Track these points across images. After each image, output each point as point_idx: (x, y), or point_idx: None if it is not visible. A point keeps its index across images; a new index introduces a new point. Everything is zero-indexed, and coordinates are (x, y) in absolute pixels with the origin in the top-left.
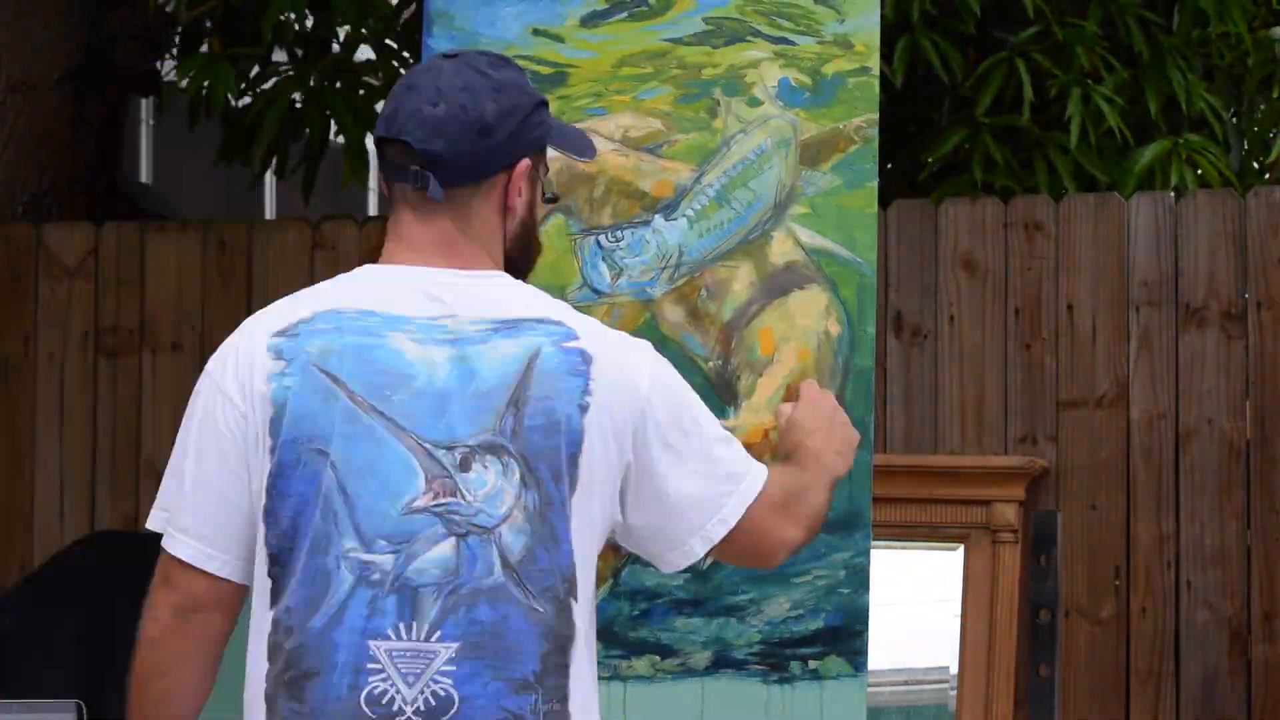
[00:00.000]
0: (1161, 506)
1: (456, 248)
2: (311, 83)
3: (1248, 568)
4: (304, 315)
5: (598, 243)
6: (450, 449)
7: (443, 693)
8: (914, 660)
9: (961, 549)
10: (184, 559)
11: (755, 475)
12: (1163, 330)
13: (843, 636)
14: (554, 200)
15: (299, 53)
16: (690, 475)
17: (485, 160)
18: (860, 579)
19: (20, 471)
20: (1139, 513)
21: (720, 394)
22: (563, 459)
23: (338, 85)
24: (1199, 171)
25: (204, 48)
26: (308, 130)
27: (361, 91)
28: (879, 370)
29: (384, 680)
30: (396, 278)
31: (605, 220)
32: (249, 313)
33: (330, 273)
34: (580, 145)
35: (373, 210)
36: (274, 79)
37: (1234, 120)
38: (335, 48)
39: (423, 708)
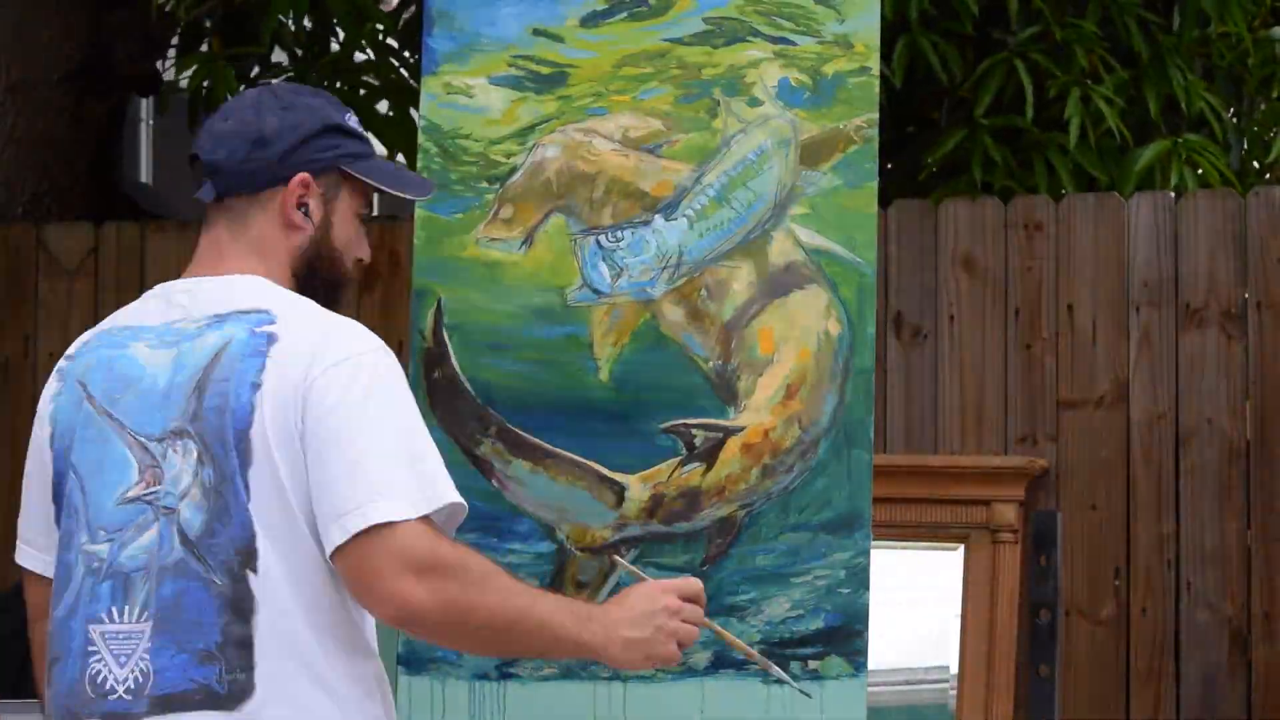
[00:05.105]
0: (1161, 506)
1: (224, 254)
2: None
3: (1248, 568)
4: (87, 339)
5: (598, 243)
6: (160, 440)
7: (145, 669)
8: (914, 660)
9: (961, 549)
10: (27, 568)
11: (392, 510)
12: (1163, 330)
13: (843, 636)
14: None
15: (298, 53)
16: (331, 462)
17: (260, 171)
18: (860, 579)
19: (20, 471)
20: (1139, 513)
21: (720, 394)
22: (230, 434)
23: (338, 85)
24: (1199, 171)
25: (204, 48)
26: None
27: (362, 92)
28: (879, 370)
29: (99, 662)
30: (158, 291)
31: (605, 220)
32: None
33: None
34: (404, 183)
35: (373, 210)
36: (273, 79)
37: (1234, 120)
38: (335, 48)
39: (132, 686)
